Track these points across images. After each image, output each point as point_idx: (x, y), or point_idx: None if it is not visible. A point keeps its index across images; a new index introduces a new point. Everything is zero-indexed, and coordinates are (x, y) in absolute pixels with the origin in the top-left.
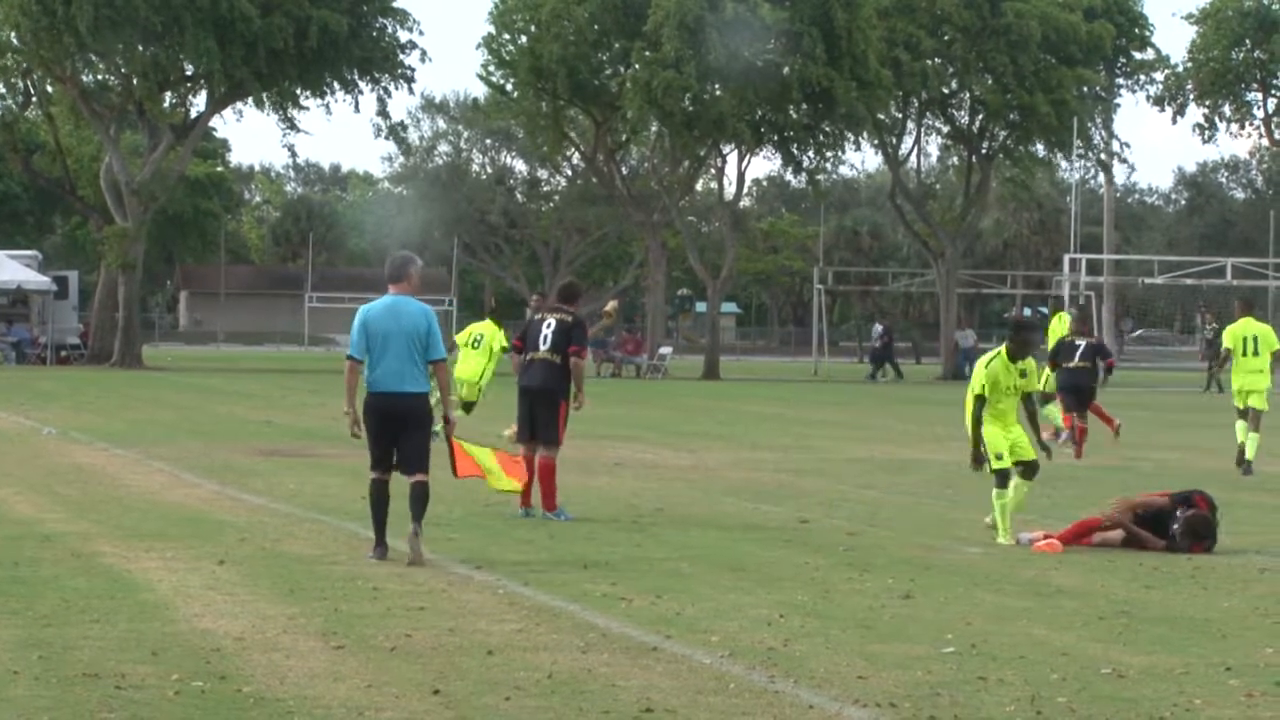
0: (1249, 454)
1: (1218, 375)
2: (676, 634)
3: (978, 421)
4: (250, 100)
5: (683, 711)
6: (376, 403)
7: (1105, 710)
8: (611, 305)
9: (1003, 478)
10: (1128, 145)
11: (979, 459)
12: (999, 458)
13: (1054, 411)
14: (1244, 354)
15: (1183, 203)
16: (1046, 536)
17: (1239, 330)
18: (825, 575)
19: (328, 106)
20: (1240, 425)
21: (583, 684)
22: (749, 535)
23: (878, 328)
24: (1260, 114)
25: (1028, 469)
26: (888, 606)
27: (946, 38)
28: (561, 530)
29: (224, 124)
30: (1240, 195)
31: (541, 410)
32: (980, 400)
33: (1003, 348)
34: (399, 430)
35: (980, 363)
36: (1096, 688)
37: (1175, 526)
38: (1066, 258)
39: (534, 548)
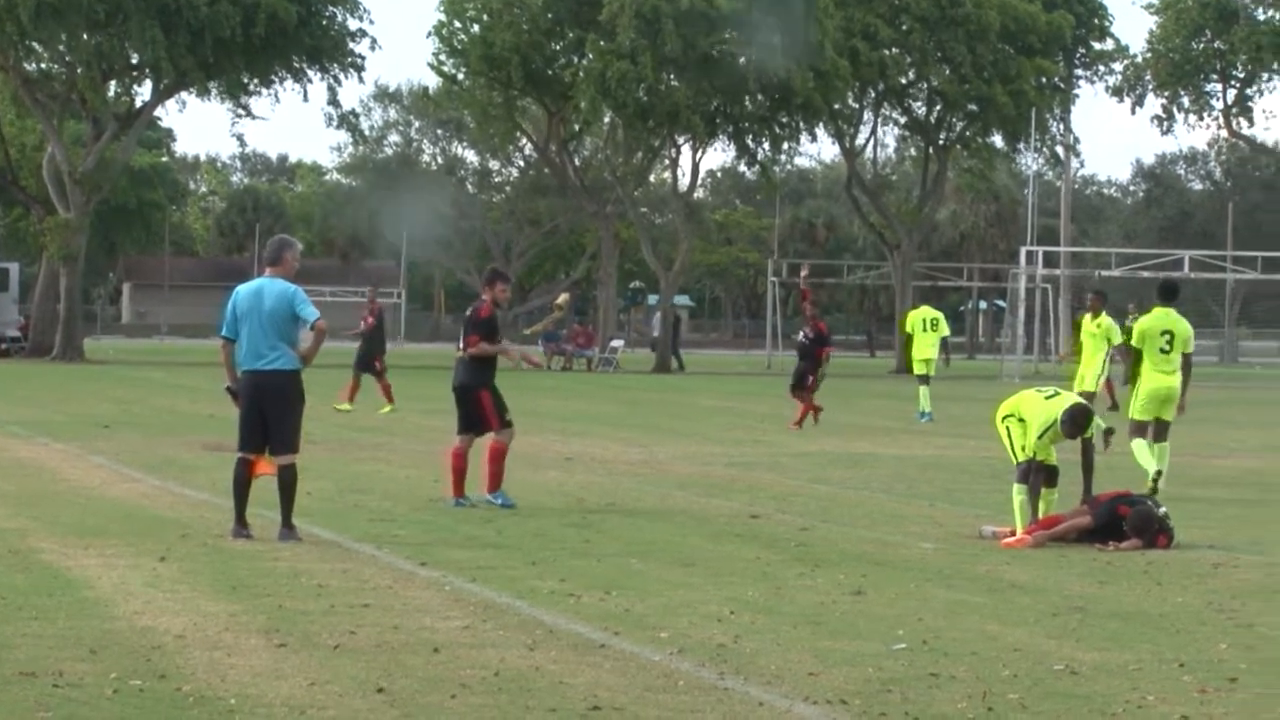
0: (1161, 463)
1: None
2: (625, 630)
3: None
4: (195, 90)
5: (631, 709)
6: (244, 380)
7: (1057, 707)
8: (563, 298)
9: (1023, 472)
10: (1078, 140)
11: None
12: (1023, 449)
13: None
14: (1158, 353)
15: (1140, 194)
16: (1012, 532)
17: (1153, 324)
18: (776, 571)
19: (276, 95)
20: (1140, 444)
21: (530, 681)
22: (699, 530)
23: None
24: (1219, 105)
25: (1050, 475)
26: (839, 602)
27: (905, 27)
28: (509, 525)
29: (167, 114)
30: (1198, 187)
31: (466, 406)
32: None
33: (1058, 421)
34: (266, 409)
35: (1036, 424)
36: (1049, 684)
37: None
38: (1023, 250)
39: (480, 543)
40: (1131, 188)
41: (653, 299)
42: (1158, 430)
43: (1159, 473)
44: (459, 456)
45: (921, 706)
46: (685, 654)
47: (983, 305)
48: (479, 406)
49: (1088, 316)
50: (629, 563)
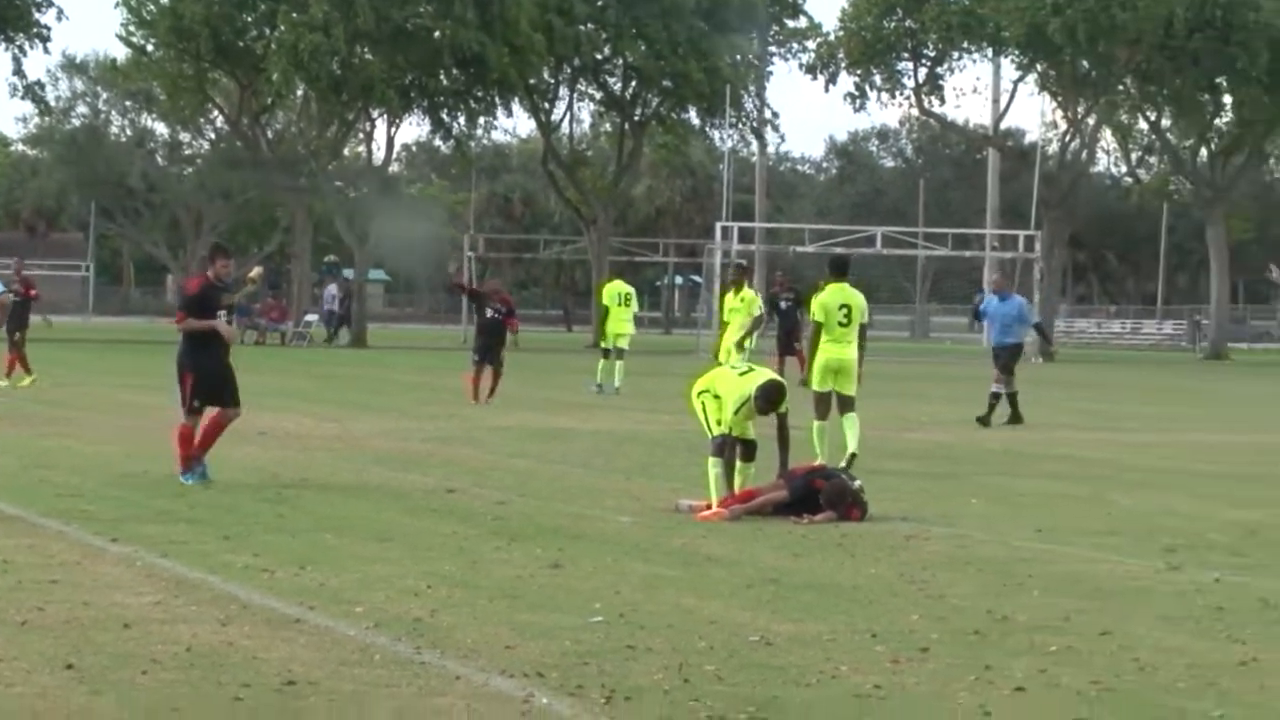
0: (852, 444)
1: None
2: (320, 605)
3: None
4: None
5: (326, 683)
6: None
7: (753, 677)
8: (255, 271)
9: (718, 446)
10: (777, 115)
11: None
12: (718, 423)
13: None
14: (836, 326)
15: (834, 171)
16: (708, 505)
17: (832, 299)
18: (473, 545)
19: None
20: (818, 426)
21: (223, 657)
22: (396, 505)
23: (331, 289)
24: (910, 83)
25: (748, 450)
26: (536, 576)
27: (600, 3)
28: (202, 500)
29: None
30: (890, 164)
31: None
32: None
33: (751, 397)
34: None
35: (730, 400)
36: (744, 655)
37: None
38: (718, 225)
39: (173, 518)
40: (825, 164)
41: (348, 273)
42: (842, 403)
43: (853, 456)
44: (208, 425)
45: (618, 678)
46: (381, 628)
47: (679, 280)
48: (180, 385)
49: (730, 292)
50: (324, 538)
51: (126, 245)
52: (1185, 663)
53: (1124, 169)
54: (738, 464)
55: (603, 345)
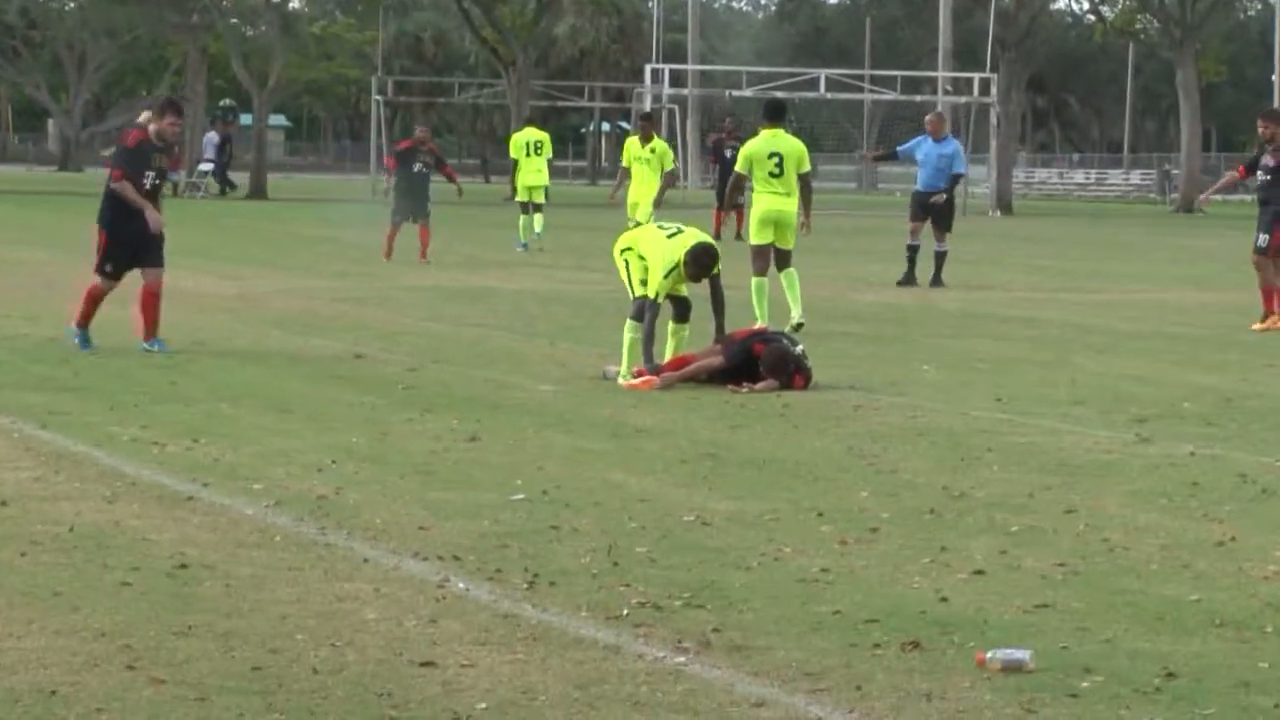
0: (796, 312)
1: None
2: (215, 482)
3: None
4: None
5: (222, 566)
6: None
7: (688, 559)
8: (144, 116)
9: (639, 308)
10: None
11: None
12: (642, 283)
13: None
14: (768, 176)
15: (773, 9)
16: (640, 373)
17: (760, 147)
18: (383, 416)
19: None
20: (757, 283)
21: (109, 537)
22: (298, 372)
23: (213, 135)
24: None
25: (681, 309)
26: (451, 450)
27: None
28: (86, 367)
29: None
30: (834, 1)
31: None
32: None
33: (682, 262)
34: None
35: (659, 265)
36: (679, 536)
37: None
38: (648, 68)
39: (55, 386)
40: (764, 2)
41: (246, 119)
42: (779, 257)
43: (799, 325)
44: (149, 295)
45: (542, 561)
46: (282, 507)
47: (605, 127)
48: (99, 239)
49: (635, 140)
50: (219, 408)
51: (4, 88)
52: (1158, 543)
53: (1086, 6)
54: (670, 325)
55: (519, 200)
